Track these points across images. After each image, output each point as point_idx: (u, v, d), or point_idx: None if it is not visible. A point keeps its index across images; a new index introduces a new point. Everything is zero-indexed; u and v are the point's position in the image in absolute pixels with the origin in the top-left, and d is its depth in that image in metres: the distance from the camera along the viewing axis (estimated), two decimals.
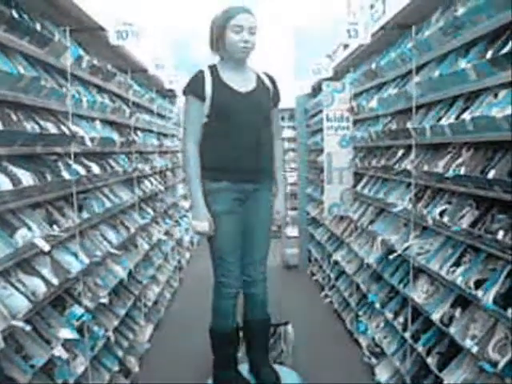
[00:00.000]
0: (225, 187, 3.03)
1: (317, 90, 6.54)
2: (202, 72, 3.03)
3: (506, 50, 2.33)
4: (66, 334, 2.75)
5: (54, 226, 2.85)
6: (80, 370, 2.97)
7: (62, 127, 3.11)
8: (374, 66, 4.21)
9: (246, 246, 3.16)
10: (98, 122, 3.92)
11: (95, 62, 3.70)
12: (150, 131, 5.88)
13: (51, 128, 2.97)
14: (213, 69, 3.07)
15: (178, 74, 6.69)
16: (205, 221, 2.98)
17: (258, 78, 3.14)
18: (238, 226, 3.11)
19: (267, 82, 3.16)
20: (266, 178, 3.18)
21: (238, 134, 3.02)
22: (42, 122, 2.89)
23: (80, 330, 2.99)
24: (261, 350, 3.31)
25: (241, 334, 3.37)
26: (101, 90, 4.05)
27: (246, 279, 3.19)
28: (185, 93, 3.07)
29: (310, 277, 6.93)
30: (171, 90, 6.67)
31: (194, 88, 3.02)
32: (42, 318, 2.71)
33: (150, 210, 5.27)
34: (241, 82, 3.07)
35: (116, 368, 3.61)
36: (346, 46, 4.94)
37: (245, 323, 3.32)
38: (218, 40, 3.01)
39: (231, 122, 3.02)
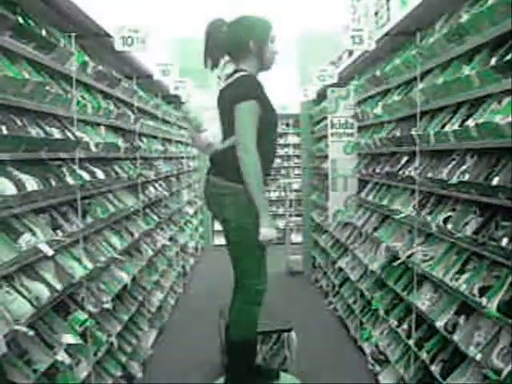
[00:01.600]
0: None
1: (321, 96, 6.55)
2: (259, 82, 3.08)
3: (509, 56, 2.33)
4: (69, 339, 2.75)
5: (58, 231, 2.85)
6: (83, 375, 2.97)
7: (67, 132, 3.12)
8: (378, 72, 4.21)
9: None
10: (102, 128, 3.93)
11: (100, 67, 3.71)
12: (155, 137, 5.90)
13: (56, 133, 2.98)
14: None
15: (184, 79, 6.71)
16: (273, 228, 2.96)
17: None
18: None
19: None
20: None
21: (274, 142, 3.20)
22: (46, 128, 2.90)
23: (83, 336, 2.99)
24: None
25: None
26: (106, 95, 4.06)
27: None
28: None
29: (314, 283, 6.92)
30: (176, 96, 6.68)
31: (261, 97, 3.03)
32: (45, 322, 2.71)
33: (154, 216, 5.27)
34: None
35: (119, 373, 3.60)
36: (350, 53, 4.95)
37: None
38: (255, 51, 3.03)
39: (272, 131, 3.14)
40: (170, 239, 6.00)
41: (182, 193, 7.72)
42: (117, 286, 3.70)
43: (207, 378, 3.79)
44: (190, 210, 8.17)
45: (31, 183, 2.59)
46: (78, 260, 3.08)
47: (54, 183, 2.85)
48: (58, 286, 2.69)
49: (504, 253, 2.30)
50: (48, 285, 2.62)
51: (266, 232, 2.91)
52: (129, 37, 3.69)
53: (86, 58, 3.46)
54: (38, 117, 2.90)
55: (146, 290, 4.55)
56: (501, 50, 2.47)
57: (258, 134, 2.95)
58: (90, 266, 3.15)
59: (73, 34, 3.20)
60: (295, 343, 3.76)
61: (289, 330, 3.78)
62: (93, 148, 3.39)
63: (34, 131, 2.75)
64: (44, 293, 2.56)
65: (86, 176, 3.33)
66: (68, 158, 3.14)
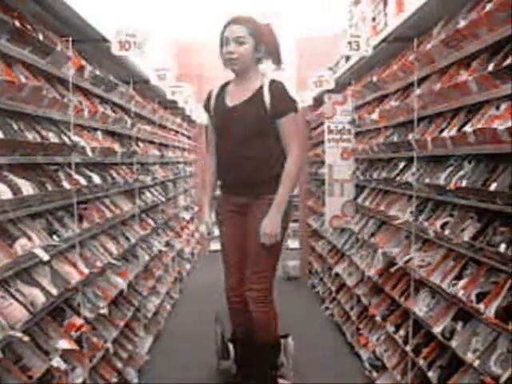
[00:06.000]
0: (223, 197, 3.33)
1: (319, 101, 6.54)
2: (211, 90, 3.34)
3: (507, 62, 2.33)
4: (65, 344, 2.73)
5: (54, 236, 2.84)
6: (78, 381, 2.95)
7: (63, 137, 3.11)
8: (375, 78, 4.21)
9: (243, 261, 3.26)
10: (99, 133, 3.92)
11: (97, 72, 3.70)
12: (152, 142, 5.89)
13: (52, 138, 2.97)
14: (224, 84, 3.31)
15: (181, 84, 6.70)
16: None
17: (259, 89, 3.14)
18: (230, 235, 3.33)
19: (270, 92, 3.12)
20: (262, 191, 3.18)
21: (224, 148, 3.23)
22: (43, 132, 2.89)
23: (79, 341, 2.97)
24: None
25: None
26: (103, 100, 4.06)
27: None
28: None
29: (310, 289, 6.91)
30: (173, 101, 6.67)
31: (204, 104, 3.36)
32: (40, 328, 2.69)
33: (150, 221, 5.26)
34: (236, 96, 3.19)
35: (115, 379, 3.58)
36: (347, 58, 4.95)
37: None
38: (220, 54, 3.18)
39: (220, 136, 3.26)
40: (167, 244, 5.99)
41: (179, 198, 7.70)
42: (113, 291, 3.68)
43: (204, 382, 3.77)
44: (187, 216, 8.15)
45: (27, 188, 2.58)
46: (74, 265, 3.06)
47: (50, 188, 2.84)
48: (54, 291, 2.67)
49: (502, 258, 2.29)
50: (44, 290, 2.60)
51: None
52: (126, 41, 3.69)
53: (83, 63, 3.45)
54: (35, 121, 2.89)
55: (142, 296, 4.53)
56: (499, 56, 2.47)
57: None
58: (86, 271, 3.13)
59: (70, 39, 3.19)
60: (292, 349, 3.75)
61: (285, 336, 3.76)
62: (89, 153, 3.38)
63: (31, 135, 2.74)
64: (39, 298, 2.54)
65: (83, 181, 3.32)
66: (64, 162, 3.13)
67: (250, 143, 3.10)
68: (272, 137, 3.15)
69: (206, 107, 3.35)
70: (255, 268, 3.19)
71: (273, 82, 3.18)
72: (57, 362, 2.61)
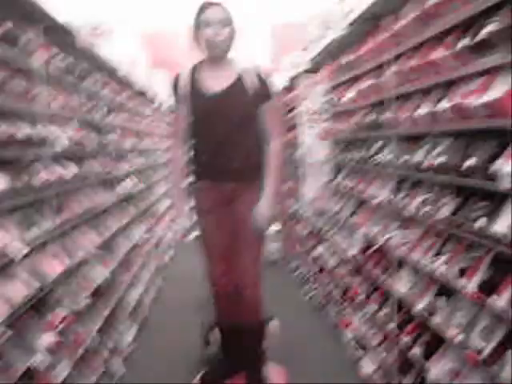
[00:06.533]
0: (205, 185, 3.17)
1: (292, 85, 6.52)
2: (178, 74, 3.15)
3: (480, 36, 2.32)
4: (48, 338, 2.70)
5: (33, 229, 2.80)
6: (64, 374, 2.93)
7: (36, 128, 3.06)
8: (350, 57, 4.20)
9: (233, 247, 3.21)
10: (72, 123, 3.86)
11: (68, 62, 3.64)
12: (128, 130, 5.82)
13: (24, 130, 2.91)
14: (193, 69, 3.15)
15: (154, 72, 6.65)
16: None
17: (238, 75, 3.09)
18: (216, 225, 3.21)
19: (250, 79, 3.08)
20: (251, 177, 3.15)
21: (208, 135, 3.11)
22: (14, 125, 2.83)
23: (62, 334, 2.95)
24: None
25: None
26: (75, 89, 3.99)
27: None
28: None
29: (292, 271, 6.93)
30: (146, 90, 6.62)
31: (173, 90, 3.16)
32: (22, 322, 2.66)
33: (130, 210, 5.22)
34: (214, 82, 3.08)
35: (101, 370, 3.57)
36: (322, 38, 4.92)
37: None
38: (195, 38, 3.07)
39: (201, 123, 3.12)
40: (147, 232, 5.96)
41: (158, 185, 7.66)
42: (95, 281, 3.65)
43: (190, 371, 3.77)
44: (166, 203, 8.11)
45: (1, 182, 2.54)
46: (55, 257, 3.03)
47: (25, 180, 2.79)
48: (35, 284, 2.64)
49: (481, 233, 2.31)
50: (24, 284, 2.57)
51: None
52: (96, 30, 3.64)
53: (54, 52, 3.38)
54: (4, 113, 2.83)
55: (125, 284, 4.51)
56: (472, 31, 2.47)
57: (190, 127, 3.20)
58: (66, 262, 3.10)
59: (40, 28, 3.12)
60: (278, 331, 3.76)
61: (269, 320, 3.77)
62: (64, 143, 3.33)
63: (1, 128, 2.69)
64: (20, 292, 2.51)
65: (59, 172, 3.27)
66: (40, 154, 3.08)
67: (235, 130, 3.06)
68: (254, 123, 3.14)
69: (176, 92, 3.16)
70: (247, 253, 3.18)
71: (250, 68, 3.13)
72: (40, 356, 2.58)
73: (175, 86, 3.15)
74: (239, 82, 3.08)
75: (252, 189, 3.15)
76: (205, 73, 3.13)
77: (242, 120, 3.08)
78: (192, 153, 3.23)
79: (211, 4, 3.00)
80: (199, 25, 3.02)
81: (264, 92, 3.12)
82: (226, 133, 3.06)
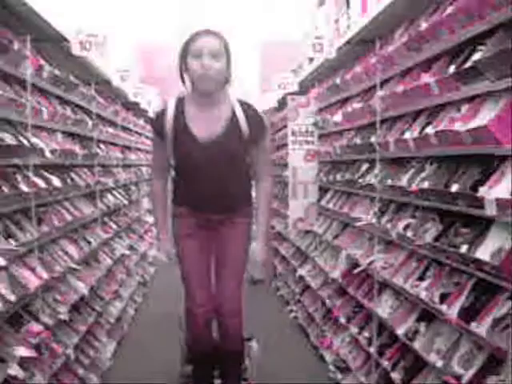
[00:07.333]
0: (187, 211, 2.98)
1: (282, 104, 6.55)
2: (164, 110, 2.83)
3: (468, 64, 2.35)
4: (23, 351, 2.65)
5: (11, 240, 2.76)
6: None
7: (21, 138, 3.03)
8: (338, 80, 4.22)
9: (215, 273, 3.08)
10: (59, 134, 3.84)
11: (57, 72, 3.62)
12: (114, 144, 5.80)
13: (9, 139, 2.88)
14: (179, 103, 2.82)
15: (144, 86, 6.64)
16: None
17: (232, 115, 2.81)
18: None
19: (244, 119, 2.81)
20: (235, 209, 3.00)
21: (194, 172, 2.86)
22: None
23: (38, 348, 2.89)
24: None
25: None
26: (63, 101, 3.97)
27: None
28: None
29: (274, 291, 6.89)
30: (136, 103, 6.61)
31: (155, 126, 2.87)
32: None
33: (113, 225, 5.18)
34: (205, 125, 2.78)
35: None
36: (311, 60, 4.96)
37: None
38: (181, 68, 2.76)
39: (190, 170, 2.87)
40: (130, 248, 5.91)
41: (142, 201, 7.62)
42: (74, 296, 3.60)
43: None
44: (150, 219, 8.06)
45: None
46: (33, 270, 2.98)
47: (6, 190, 2.76)
48: (12, 298, 2.59)
49: (463, 259, 2.31)
50: (1, 296, 2.52)
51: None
52: (87, 41, 3.62)
53: (42, 62, 3.37)
54: None
55: (104, 300, 4.45)
56: (459, 58, 2.49)
57: (175, 164, 2.97)
58: (45, 276, 3.05)
59: (28, 37, 3.11)
60: (256, 352, 3.72)
61: (249, 340, 3.73)
62: (48, 154, 3.30)
63: None
64: None
65: (42, 183, 3.24)
66: (22, 164, 3.05)
67: (225, 172, 2.87)
68: (244, 159, 2.97)
69: (159, 129, 2.84)
70: (230, 281, 3.04)
71: (244, 106, 2.85)
72: (15, 369, 2.53)
73: (160, 122, 2.82)
74: (232, 123, 2.81)
75: (237, 219, 3.02)
76: (193, 111, 2.81)
77: (231, 162, 2.88)
78: (174, 181, 3.05)
79: (204, 32, 2.70)
80: (188, 53, 2.69)
81: (258, 133, 2.89)
82: (213, 177, 2.84)
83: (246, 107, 2.85)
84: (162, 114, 2.83)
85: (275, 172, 7.26)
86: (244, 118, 2.80)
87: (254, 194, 3.10)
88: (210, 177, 2.84)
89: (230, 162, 2.86)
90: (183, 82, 2.81)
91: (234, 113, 2.80)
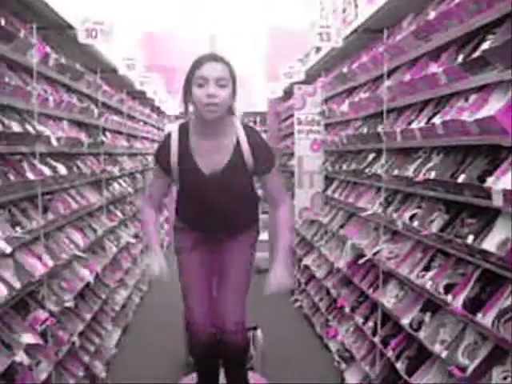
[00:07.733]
0: (190, 226, 2.92)
1: (289, 93, 6.53)
2: (167, 143, 2.72)
3: (476, 54, 2.33)
4: (29, 338, 2.67)
5: (17, 228, 2.76)
6: (43, 375, 2.89)
7: (27, 126, 3.03)
8: (345, 69, 4.20)
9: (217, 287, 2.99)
10: (65, 122, 3.84)
11: (63, 60, 3.62)
12: (120, 133, 5.80)
13: (15, 127, 2.88)
14: (183, 134, 2.71)
15: (150, 75, 6.62)
16: None
17: (237, 145, 2.69)
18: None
19: (247, 149, 2.69)
20: (241, 232, 2.93)
21: (200, 207, 2.80)
22: (5, 121, 2.81)
23: (44, 335, 2.91)
24: None
25: None
26: (69, 89, 3.97)
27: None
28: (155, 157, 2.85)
29: None
30: (142, 92, 6.59)
31: (160, 161, 2.77)
32: (3, 322, 2.62)
33: (118, 213, 5.19)
34: (210, 157, 2.68)
35: (81, 373, 3.52)
36: (318, 50, 4.94)
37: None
38: (186, 94, 2.62)
39: (194, 196, 2.80)
40: (135, 236, 5.92)
41: (148, 189, 7.61)
42: (79, 283, 3.62)
43: (172, 376, 3.74)
44: None
45: None
46: (39, 257, 2.99)
47: (13, 178, 2.76)
48: (17, 285, 2.61)
49: (469, 250, 2.30)
50: (6, 283, 2.54)
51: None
52: (93, 29, 3.61)
53: (48, 50, 3.37)
54: None
55: (109, 288, 4.47)
56: (468, 48, 2.47)
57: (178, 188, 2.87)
58: (50, 263, 3.06)
59: (34, 25, 3.11)
60: (261, 341, 3.73)
61: (254, 329, 3.75)
62: (54, 142, 3.30)
63: None
64: (2, 291, 2.47)
65: (47, 171, 3.25)
66: (28, 152, 3.05)
67: (230, 200, 2.78)
68: (250, 184, 2.88)
69: (164, 164, 2.74)
70: (232, 297, 2.92)
71: (249, 133, 2.72)
72: (20, 356, 2.54)
73: (164, 157, 2.72)
74: (237, 155, 2.69)
75: (242, 238, 2.94)
76: (198, 141, 2.69)
77: (236, 190, 2.80)
78: (177, 197, 2.92)
79: (210, 58, 2.56)
80: (192, 79, 2.54)
81: (264, 164, 2.76)
82: (217, 200, 2.75)
83: (252, 135, 2.73)
84: (165, 148, 2.73)
85: (281, 161, 7.25)
86: (249, 150, 2.69)
87: (261, 205, 2.96)
88: (215, 204, 2.76)
89: (235, 191, 2.78)
90: (186, 108, 2.69)
91: (238, 142, 2.69)
